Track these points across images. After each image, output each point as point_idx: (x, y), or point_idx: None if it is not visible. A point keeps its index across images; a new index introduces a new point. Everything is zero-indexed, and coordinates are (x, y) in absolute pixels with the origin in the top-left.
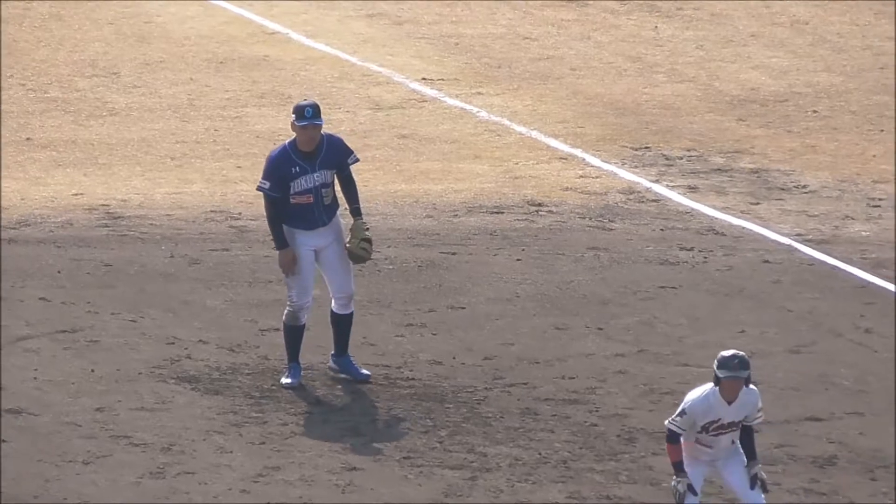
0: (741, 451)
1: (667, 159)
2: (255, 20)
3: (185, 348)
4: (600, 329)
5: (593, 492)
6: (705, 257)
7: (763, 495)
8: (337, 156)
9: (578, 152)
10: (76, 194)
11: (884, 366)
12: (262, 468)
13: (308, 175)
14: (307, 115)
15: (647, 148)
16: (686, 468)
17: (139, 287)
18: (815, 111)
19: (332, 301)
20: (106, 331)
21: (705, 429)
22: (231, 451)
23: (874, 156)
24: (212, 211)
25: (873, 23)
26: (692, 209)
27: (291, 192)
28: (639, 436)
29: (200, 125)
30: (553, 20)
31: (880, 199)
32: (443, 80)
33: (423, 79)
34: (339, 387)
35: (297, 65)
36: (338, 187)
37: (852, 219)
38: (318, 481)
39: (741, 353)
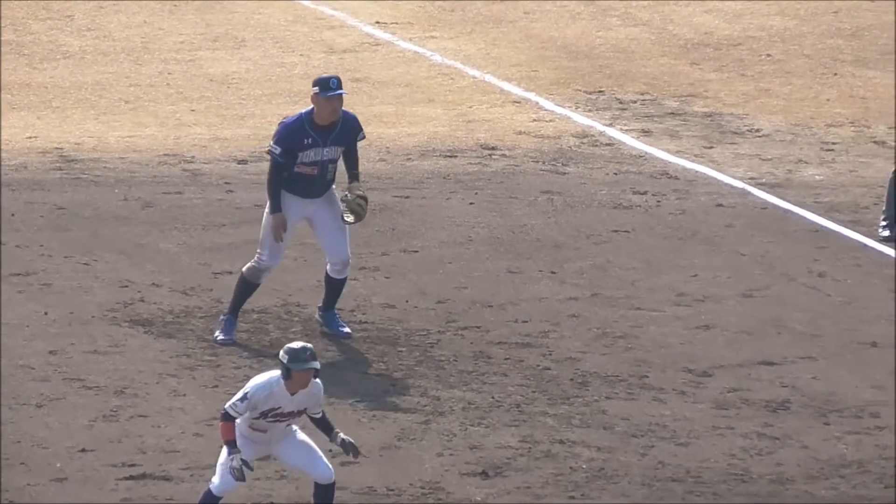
0: (294, 428)
1: (620, 103)
2: None
3: (139, 291)
4: (553, 273)
5: (546, 435)
6: (659, 201)
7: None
8: (350, 134)
9: (532, 96)
10: (30, 137)
11: (836, 310)
12: (216, 411)
13: (318, 148)
14: (333, 85)
15: (600, 92)
16: (240, 446)
17: (93, 230)
18: (768, 55)
19: (328, 265)
20: (59, 274)
21: (264, 415)
22: (184, 395)
23: (828, 100)
24: (165, 154)
25: None
26: (646, 153)
27: (298, 161)
28: (592, 379)
29: (154, 68)
30: None
31: (834, 143)
32: (396, 23)
33: (377, 22)
34: (293, 330)
35: (250, 8)
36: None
37: (806, 163)
38: None
39: (309, 345)
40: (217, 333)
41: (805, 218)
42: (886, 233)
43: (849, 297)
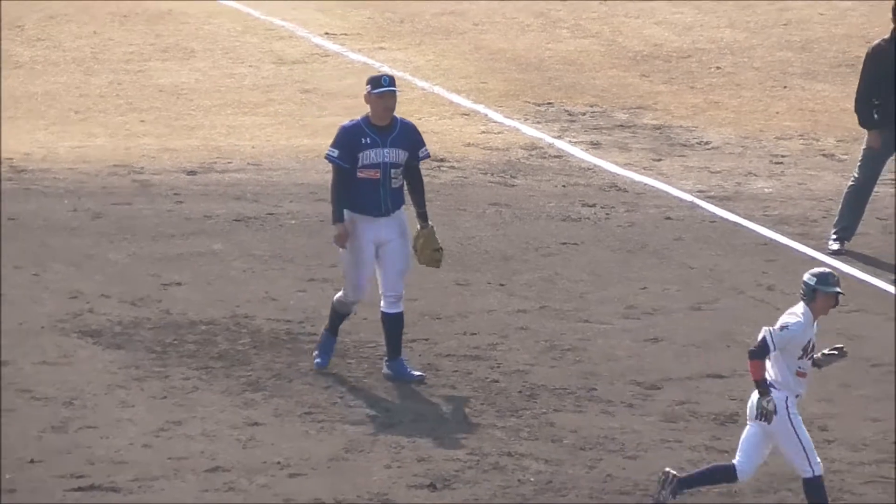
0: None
1: (569, 115)
2: None
3: (88, 302)
4: (502, 285)
5: (494, 448)
6: (607, 213)
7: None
8: (410, 137)
9: (481, 108)
10: None
11: None
12: (164, 422)
13: (378, 149)
14: (384, 82)
15: (549, 104)
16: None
17: (42, 241)
18: (718, 67)
19: (382, 299)
20: (9, 284)
21: (805, 351)
22: (133, 406)
23: (777, 112)
24: (115, 165)
25: None
26: (595, 165)
27: (360, 164)
28: (540, 392)
29: (104, 79)
30: None
31: (783, 156)
32: (346, 34)
33: (327, 33)
34: (241, 342)
35: (200, 18)
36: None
37: (755, 175)
38: (220, 436)
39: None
40: (316, 358)
41: (754, 231)
42: (836, 246)
43: None
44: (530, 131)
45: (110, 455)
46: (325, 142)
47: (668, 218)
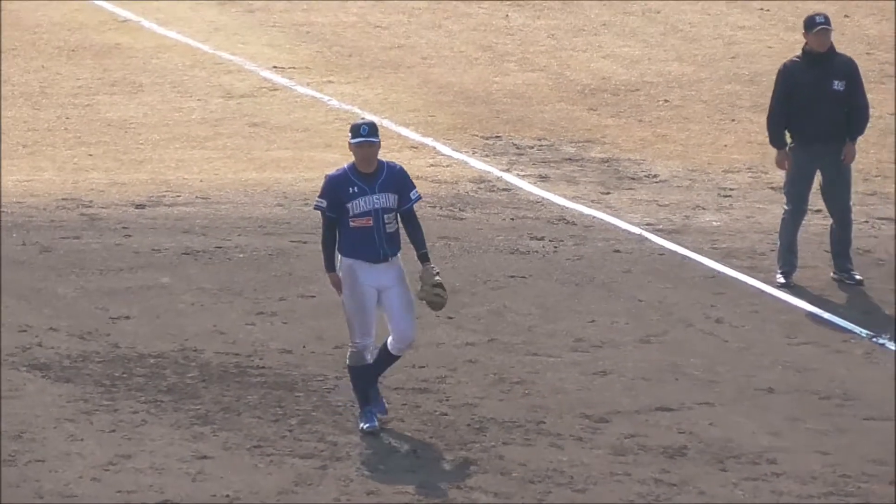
0: None
1: (517, 148)
2: (106, 7)
3: (36, 336)
4: (450, 318)
5: (443, 481)
6: (556, 247)
7: None
8: (397, 181)
9: (429, 141)
10: None
11: (734, 356)
12: (113, 456)
13: (367, 196)
14: (363, 132)
15: (497, 137)
16: None
17: None
18: (666, 101)
19: (390, 341)
20: None
21: None
22: (82, 439)
23: (725, 145)
24: (63, 199)
25: (725, 12)
26: (543, 198)
27: (350, 213)
28: (489, 425)
29: (52, 113)
30: (404, 9)
31: (731, 189)
32: (294, 68)
33: (275, 67)
34: (190, 375)
35: (148, 52)
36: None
37: (703, 208)
38: (169, 469)
39: None
40: (361, 424)
41: (702, 264)
42: (783, 279)
43: (746, 343)
44: (478, 164)
45: (59, 489)
46: (273, 175)
47: (617, 251)
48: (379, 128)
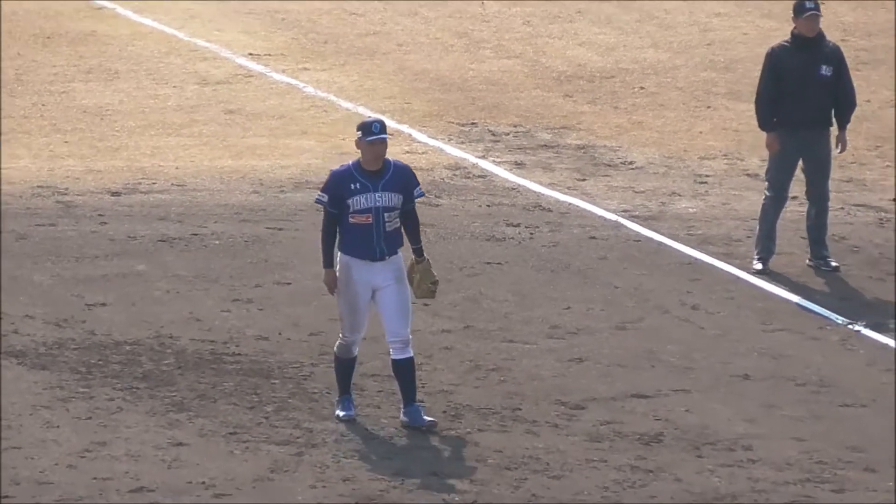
0: None
1: (493, 135)
2: None
3: (12, 323)
4: (426, 305)
5: (419, 468)
6: (532, 233)
7: None
8: (403, 180)
9: (405, 128)
10: None
11: (710, 342)
12: (89, 443)
13: (369, 193)
14: (375, 130)
15: (473, 124)
16: None
17: None
18: (642, 87)
19: (390, 348)
20: None
21: None
22: (58, 426)
23: (701, 132)
24: (39, 186)
25: None
26: (519, 185)
27: (350, 210)
28: (464, 412)
29: (28, 100)
30: None
31: (707, 176)
32: (269, 55)
33: (250, 54)
34: (166, 362)
35: (124, 40)
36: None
37: (679, 195)
38: (145, 456)
39: None
40: (338, 411)
41: (678, 250)
42: (759, 266)
43: (722, 330)
44: (454, 151)
45: (35, 476)
46: (249, 162)
47: (593, 238)
48: (316, 107)
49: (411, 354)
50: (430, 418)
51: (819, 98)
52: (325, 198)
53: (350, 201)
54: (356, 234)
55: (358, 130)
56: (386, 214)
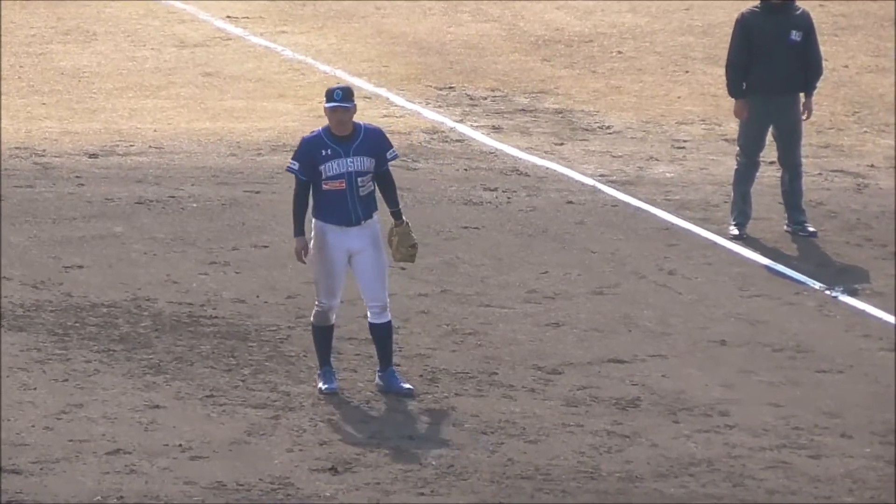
0: None
1: (471, 99)
2: None
3: None
4: (403, 269)
5: (395, 432)
6: (509, 198)
7: None
8: (374, 144)
9: (383, 91)
10: None
11: (686, 308)
12: (66, 405)
13: (340, 159)
14: (336, 97)
15: (451, 88)
16: None
17: None
18: (619, 52)
19: (368, 312)
20: None
21: None
22: (34, 388)
23: (679, 97)
24: (16, 148)
25: None
26: (496, 149)
27: (323, 176)
28: (441, 376)
29: (5, 62)
30: None
31: (685, 141)
32: (247, 17)
33: (228, 17)
34: (143, 325)
35: (101, 1)
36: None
37: (656, 160)
38: (121, 419)
39: None
40: (320, 384)
41: (655, 215)
42: (736, 231)
43: (699, 295)
44: (432, 115)
45: (11, 437)
46: (226, 125)
47: (570, 202)
48: (294, 70)
49: (389, 318)
50: (407, 385)
51: (789, 63)
52: (297, 165)
53: (322, 167)
54: (330, 200)
55: (324, 97)
56: (359, 179)
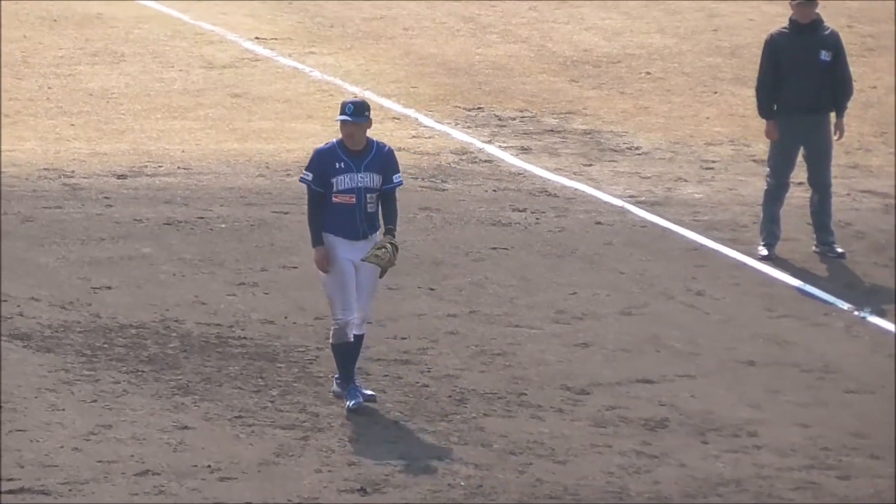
0: None
1: (499, 120)
2: None
3: (18, 306)
4: (432, 289)
5: (424, 452)
6: (537, 218)
7: None
8: (384, 163)
9: (411, 112)
10: None
11: (714, 328)
12: (94, 426)
13: (352, 174)
14: (347, 111)
15: (479, 108)
16: None
17: None
18: (648, 73)
19: None
20: None
21: None
22: (63, 409)
23: (707, 118)
24: (45, 168)
25: None
26: (525, 170)
27: (334, 189)
28: (470, 396)
29: (34, 83)
30: None
31: (713, 162)
32: (276, 39)
33: (256, 38)
34: (171, 345)
35: (130, 23)
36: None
37: (685, 181)
38: (150, 440)
39: None
40: (348, 402)
41: (684, 236)
42: (765, 251)
43: (727, 316)
44: (460, 136)
45: (40, 458)
46: (255, 146)
47: (598, 223)
48: (322, 91)
49: (364, 332)
50: (370, 392)
51: (818, 84)
52: (310, 176)
53: (334, 180)
54: (339, 214)
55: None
56: (368, 195)
